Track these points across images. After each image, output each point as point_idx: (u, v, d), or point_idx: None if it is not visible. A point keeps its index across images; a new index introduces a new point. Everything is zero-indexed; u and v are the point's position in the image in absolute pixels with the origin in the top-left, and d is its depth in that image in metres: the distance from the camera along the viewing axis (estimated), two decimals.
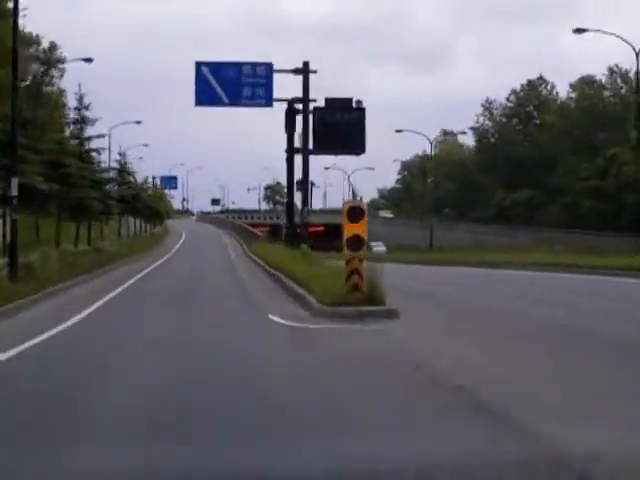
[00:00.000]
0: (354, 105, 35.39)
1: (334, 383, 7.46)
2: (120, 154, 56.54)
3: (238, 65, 36.91)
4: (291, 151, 35.58)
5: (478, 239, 70.61)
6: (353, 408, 6.19)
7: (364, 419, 5.77)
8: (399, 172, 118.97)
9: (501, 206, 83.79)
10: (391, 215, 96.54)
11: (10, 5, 27.06)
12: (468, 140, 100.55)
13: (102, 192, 37.09)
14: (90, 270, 24.83)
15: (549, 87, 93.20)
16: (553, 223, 74.56)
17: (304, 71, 34.55)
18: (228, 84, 36.14)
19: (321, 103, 35.07)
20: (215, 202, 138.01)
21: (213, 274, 28.52)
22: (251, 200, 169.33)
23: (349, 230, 13.23)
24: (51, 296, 17.69)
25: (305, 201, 34.91)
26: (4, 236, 21.44)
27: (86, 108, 41.49)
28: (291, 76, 35.20)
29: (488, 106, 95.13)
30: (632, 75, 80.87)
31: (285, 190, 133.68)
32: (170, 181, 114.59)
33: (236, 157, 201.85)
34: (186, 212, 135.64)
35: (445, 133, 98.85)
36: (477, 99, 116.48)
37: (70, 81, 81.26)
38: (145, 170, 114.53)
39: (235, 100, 36.82)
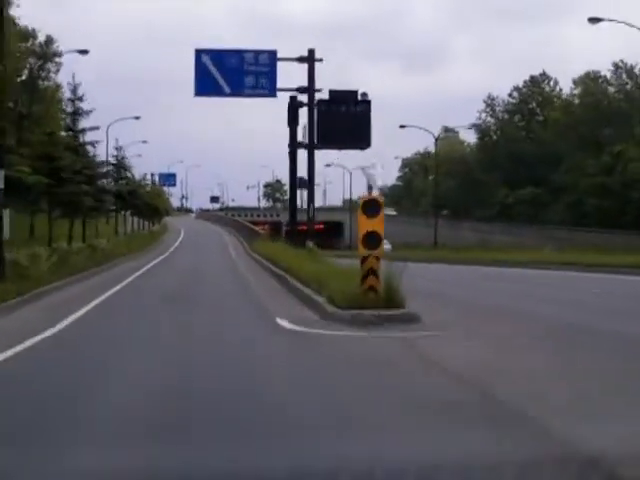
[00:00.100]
0: (359, 97, 33.99)
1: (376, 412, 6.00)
2: (117, 148, 54.96)
3: (240, 53, 35.10)
4: (294, 146, 34.15)
5: (482, 237, 70.16)
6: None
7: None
8: (399, 169, 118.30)
9: (504, 204, 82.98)
10: (394, 213, 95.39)
11: None
12: (469, 137, 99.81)
13: (96, 187, 35.52)
14: (84, 269, 23.57)
15: (552, 83, 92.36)
16: (557, 221, 73.82)
17: (309, 59, 32.75)
18: (229, 73, 34.25)
19: (326, 95, 33.60)
20: (214, 200, 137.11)
21: (214, 274, 27.24)
22: (250, 198, 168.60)
23: (365, 226, 12.00)
24: (39, 297, 16.52)
25: (311, 196, 33.04)
26: None
27: (80, 99, 40.14)
28: (295, 67, 33.57)
29: (490, 102, 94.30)
30: (637, 71, 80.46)
31: (285, 188, 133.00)
32: (169, 178, 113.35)
33: (235, 155, 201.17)
34: (185, 210, 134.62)
35: (447, 130, 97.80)
36: (477, 97, 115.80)
37: (68, 78, 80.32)
38: (144, 168, 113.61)
39: (237, 90, 34.90)
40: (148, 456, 4.64)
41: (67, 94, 45.08)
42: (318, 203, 65.84)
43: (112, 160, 52.78)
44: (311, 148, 32.26)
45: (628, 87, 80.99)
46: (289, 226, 37.82)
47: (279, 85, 35.25)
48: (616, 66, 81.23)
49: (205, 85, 34.75)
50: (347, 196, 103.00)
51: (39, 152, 28.04)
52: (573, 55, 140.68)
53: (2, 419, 5.73)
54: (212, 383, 7.24)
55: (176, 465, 4.43)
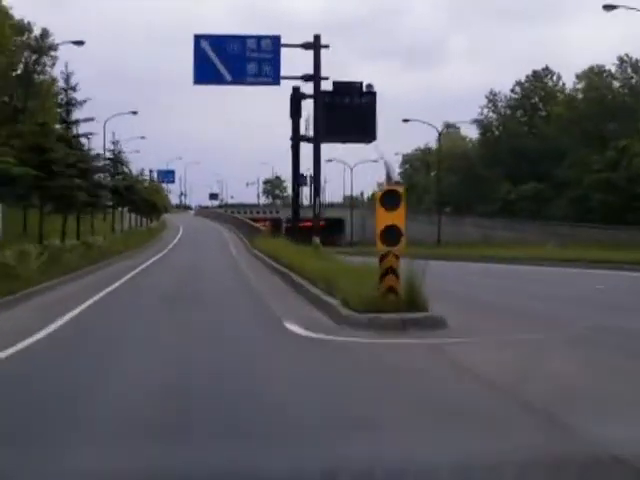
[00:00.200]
0: (364, 89, 32.64)
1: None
2: (113, 142, 53.35)
3: (241, 38, 32.93)
4: (297, 139, 32.79)
5: (485, 234, 69.43)
6: None
7: None
8: (400, 166, 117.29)
9: (506, 200, 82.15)
10: None
11: None
12: (471, 133, 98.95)
13: (91, 181, 33.97)
14: (77, 268, 22.30)
15: (555, 78, 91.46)
16: (560, 217, 72.95)
17: (315, 46, 30.80)
18: (231, 60, 32.06)
19: (330, 86, 31.99)
20: (213, 197, 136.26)
21: (214, 271, 26.08)
22: (250, 195, 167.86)
23: (383, 219, 10.79)
24: (29, 298, 15.37)
25: (317, 191, 31.22)
26: None
27: (73, 89, 38.71)
28: (299, 57, 32.09)
29: (492, 98, 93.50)
30: None
31: (285, 184, 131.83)
32: (167, 175, 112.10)
33: (234, 152, 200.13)
34: (184, 207, 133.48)
35: (448, 125, 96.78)
36: (477, 95, 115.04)
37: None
38: (142, 164, 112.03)
39: (239, 78, 32.56)
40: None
41: (61, 84, 43.72)
42: None
43: (109, 155, 51.30)
44: (317, 140, 30.43)
45: (633, 81, 79.96)
46: (291, 222, 36.52)
47: (282, 74, 33.15)
48: (621, 60, 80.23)
49: (205, 73, 32.58)
50: (347, 192, 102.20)
51: (31, 143, 26.63)
52: (573, 54, 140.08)
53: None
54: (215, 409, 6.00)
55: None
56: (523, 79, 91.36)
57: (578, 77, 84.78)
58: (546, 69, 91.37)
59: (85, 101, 39.34)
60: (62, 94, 41.57)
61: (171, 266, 29.28)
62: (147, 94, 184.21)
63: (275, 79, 32.86)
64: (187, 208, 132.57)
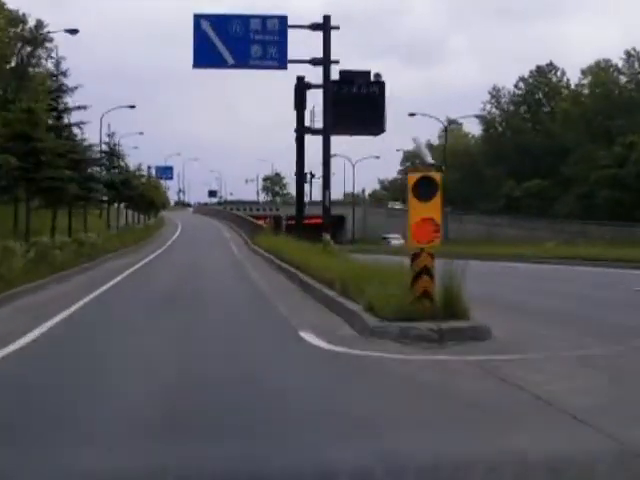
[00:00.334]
0: (372, 78, 30.96)
1: None
2: (109, 135, 51.52)
3: (245, 18, 30.28)
4: (301, 131, 31.07)
5: (489, 231, 68.35)
6: None
7: None
8: (401, 162, 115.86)
9: (510, 197, 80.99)
10: (401, 206, 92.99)
11: None
12: (474, 129, 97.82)
13: (83, 173, 32.04)
14: (66, 267, 20.65)
15: (559, 74, 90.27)
16: (565, 214, 71.63)
17: (324, 27, 28.23)
18: (233, 42, 29.56)
19: (336, 76, 30.01)
20: (212, 194, 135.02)
21: (214, 270, 24.50)
22: (249, 192, 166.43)
23: (417, 211, 9.17)
24: (8, 300, 13.82)
25: (326, 183, 28.96)
26: None
27: (64, 74, 37.00)
28: (304, 43, 29.92)
29: (495, 94, 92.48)
30: None
31: (285, 181, 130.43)
32: (166, 171, 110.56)
33: (233, 149, 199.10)
34: (183, 204, 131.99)
35: (450, 122, 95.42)
36: (480, 92, 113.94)
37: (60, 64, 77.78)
38: (140, 160, 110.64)
39: (242, 61, 29.94)
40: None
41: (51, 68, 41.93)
42: (318, 197, 63.12)
43: (104, 147, 49.45)
44: (326, 129, 28.35)
45: None
46: (294, 219, 34.87)
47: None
48: (628, 54, 78.79)
49: (205, 55, 30.05)
50: (349, 189, 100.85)
51: (18, 130, 24.69)
52: (574, 51, 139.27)
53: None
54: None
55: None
56: (527, 75, 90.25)
57: (583, 72, 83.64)
58: (550, 65, 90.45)
59: (77, 87, 37.60)
60: (53, 80, 39.51)
61: (170, 265, 27.65)
62: (146, 91, 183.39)
63: (282, 62, 30.19)
64: (186, 205, 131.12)
